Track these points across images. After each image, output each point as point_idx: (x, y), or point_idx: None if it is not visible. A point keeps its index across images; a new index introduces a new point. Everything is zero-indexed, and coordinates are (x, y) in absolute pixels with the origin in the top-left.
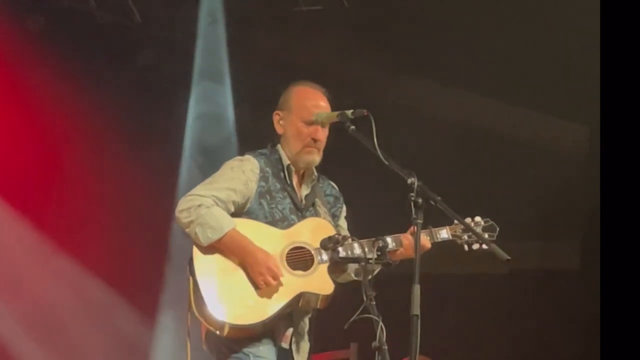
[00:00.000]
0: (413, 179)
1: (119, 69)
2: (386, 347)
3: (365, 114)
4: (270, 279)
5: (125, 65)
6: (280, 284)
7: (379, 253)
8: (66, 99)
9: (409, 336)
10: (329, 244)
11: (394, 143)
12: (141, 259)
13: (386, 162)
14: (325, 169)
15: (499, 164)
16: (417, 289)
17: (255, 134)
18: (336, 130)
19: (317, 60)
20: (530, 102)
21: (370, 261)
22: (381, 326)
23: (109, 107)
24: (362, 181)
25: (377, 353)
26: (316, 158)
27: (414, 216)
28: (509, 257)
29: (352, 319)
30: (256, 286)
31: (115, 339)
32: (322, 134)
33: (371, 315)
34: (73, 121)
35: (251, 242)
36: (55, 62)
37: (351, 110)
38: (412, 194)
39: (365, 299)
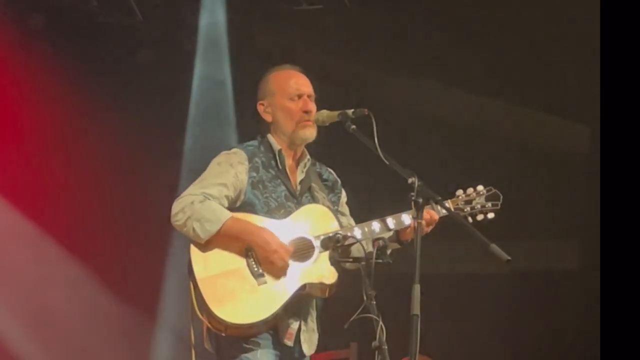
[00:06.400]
0: (414, 178)
1: (120, 68)
2: (386, 347)
3: (366, 113)
4: (284, 255)
5: (126, 64)
6: (281, 277)
7: (379, 253)
8: (66, 98)
9: (409, 336)
10: (329, 243)
11: (395, 142)
12: (141, 257)
13: (387, 162)
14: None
15: (499, 164)
16: (417, 289)
17: (257, 134)
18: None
19: (318, 60)
20: (531, 102)
21: (371, 261)
22: (381, 326)
23: (109, 106)
24: (358, 164)
25: (377, 353)
26: (313, 132)
27: (414, 216)
28: (510, 258)
29: (352, 318)
30: (257, 282)
31: (116, 338)
32: (313, 106)
33: (371, 315)
34: (73, 120)
35: (252, 224)
36: (56, 60)
37: (352, 110)
38: (412, 194)
39: (365, 298)
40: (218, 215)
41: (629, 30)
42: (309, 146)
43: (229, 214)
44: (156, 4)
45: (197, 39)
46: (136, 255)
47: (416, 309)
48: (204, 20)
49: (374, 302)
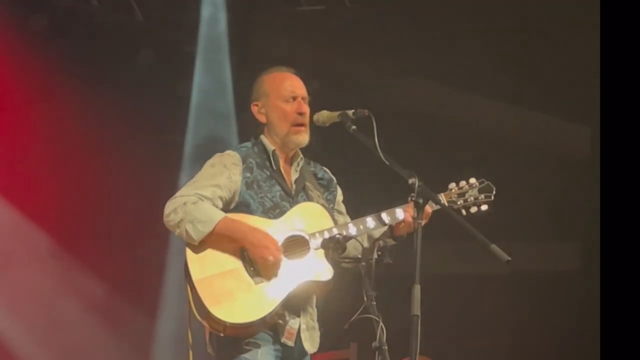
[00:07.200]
0: (414, 179)
1: (120, 68)
2: (386, 347)
3: (367, 114)
4: (276, 252)
5: (126, 64)
6: (277, 275)
7: (379, 253)
8: (67, 97)
9: (409, 336)
10: (329, 243)
11: (395, 143)
12: (142, 257)
13: (387, 162)
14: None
15: (500, 165)
16: (417, 289)
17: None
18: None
19: (319, 60)
20: (531, 103)
21: (371, 261)
22: (381, 326)
23: (109, 106)
24: (357, 164)
25: (377, 353)
26: (305, 138)
27: (414, 216)
28: (510, 258)
29: (352, 319)
30: (254, 282)
31: (116, 338)
32: (307, 108)
33: (371, 315)
34: (73, 120)
35: (245, 224)
36: (57, 60)
37: (352, 110)
38: (413, 194)
39: (365, 299)
40: (211, 216)
41: (629, 30)
42: (308, 145)
43: (221, 214)
44: (156, 4)
45: (197, 39)
46: (136, 255)
47: (416, 309)
48: (204, 21)
49: (374, 303)
